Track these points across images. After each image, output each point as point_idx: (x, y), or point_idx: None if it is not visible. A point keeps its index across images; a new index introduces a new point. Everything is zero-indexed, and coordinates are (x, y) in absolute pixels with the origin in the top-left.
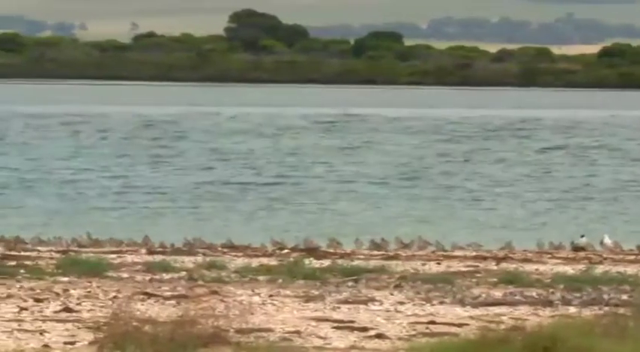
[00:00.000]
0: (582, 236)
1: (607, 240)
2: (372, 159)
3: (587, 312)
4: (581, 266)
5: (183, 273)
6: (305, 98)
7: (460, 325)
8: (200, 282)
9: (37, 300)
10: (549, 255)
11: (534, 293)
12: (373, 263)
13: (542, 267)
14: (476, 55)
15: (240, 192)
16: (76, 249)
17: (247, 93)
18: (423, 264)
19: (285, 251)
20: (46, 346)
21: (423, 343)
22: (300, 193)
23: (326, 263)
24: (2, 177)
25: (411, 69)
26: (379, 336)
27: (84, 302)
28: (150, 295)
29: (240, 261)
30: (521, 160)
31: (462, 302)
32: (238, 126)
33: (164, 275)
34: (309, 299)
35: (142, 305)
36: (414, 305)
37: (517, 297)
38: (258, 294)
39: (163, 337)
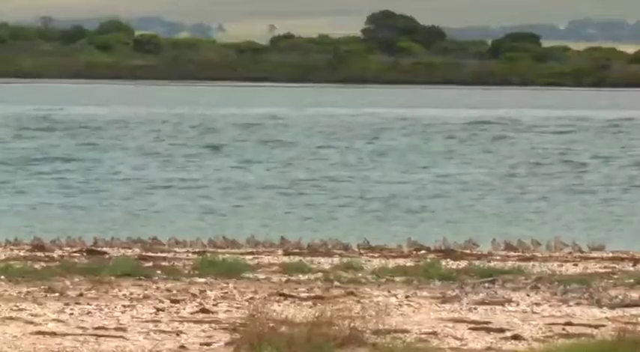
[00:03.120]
0: None
1: None
2: None
3: None
4: None
5: (320, 274)
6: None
7: (597, 326)
8: (336, 283)
9: (174, 301)
10: None
11: None
12: (509, 264)
13: None
14: (613, 56)
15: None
16: (212, 249)
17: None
18: (560, 266)
19: (422, 252)
20: (182, 347)
21: (559, 344)
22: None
23: (462, 264)
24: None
25: (548, 70)
26: (515, 337)
27: (220, 303)
28: (286, 296)
29: (376, 262)
30: None
31: (598, 304)
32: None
33: (300, 276)
34: (445, 300)
35: (279, 306)
36: (550, 306)
37: None
38: (395, 295)
39: (300, 338)
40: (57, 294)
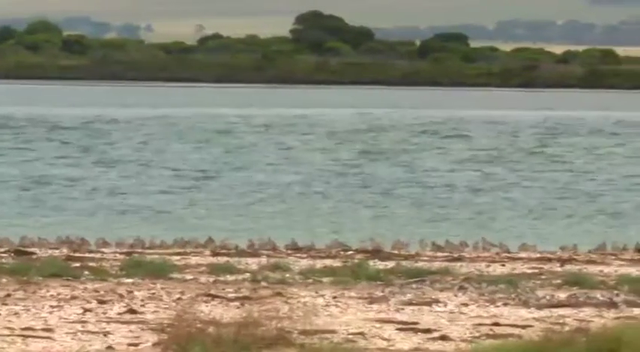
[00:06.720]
0: None
1: None
2: None
3: None
4: None
5: (247, 275)
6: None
7: (524, 327)
8: (264, 284)
9: (101, 302)
10: (614, 257)
11: (599, 295)
12: (437, 264)
13: (606, 269)
14: (541, 56)
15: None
16: (140, 250)
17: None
18: (488, 266)
19: (350, 252)
20: (110, 347)
21: (486, 344)
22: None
23: (390, 264)
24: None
25: (476, 70)
26: (443, 338)
27: (148, 303)
28: (214, 296)
29: (304, 263)
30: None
31: (526, 304)
32: None
33: (228, 276)
34: (372, 300)
35: (206, 306)
36: (478, 306)
37: (581, 299)
38: (322, 296)
39: (227, 338)
40: None
